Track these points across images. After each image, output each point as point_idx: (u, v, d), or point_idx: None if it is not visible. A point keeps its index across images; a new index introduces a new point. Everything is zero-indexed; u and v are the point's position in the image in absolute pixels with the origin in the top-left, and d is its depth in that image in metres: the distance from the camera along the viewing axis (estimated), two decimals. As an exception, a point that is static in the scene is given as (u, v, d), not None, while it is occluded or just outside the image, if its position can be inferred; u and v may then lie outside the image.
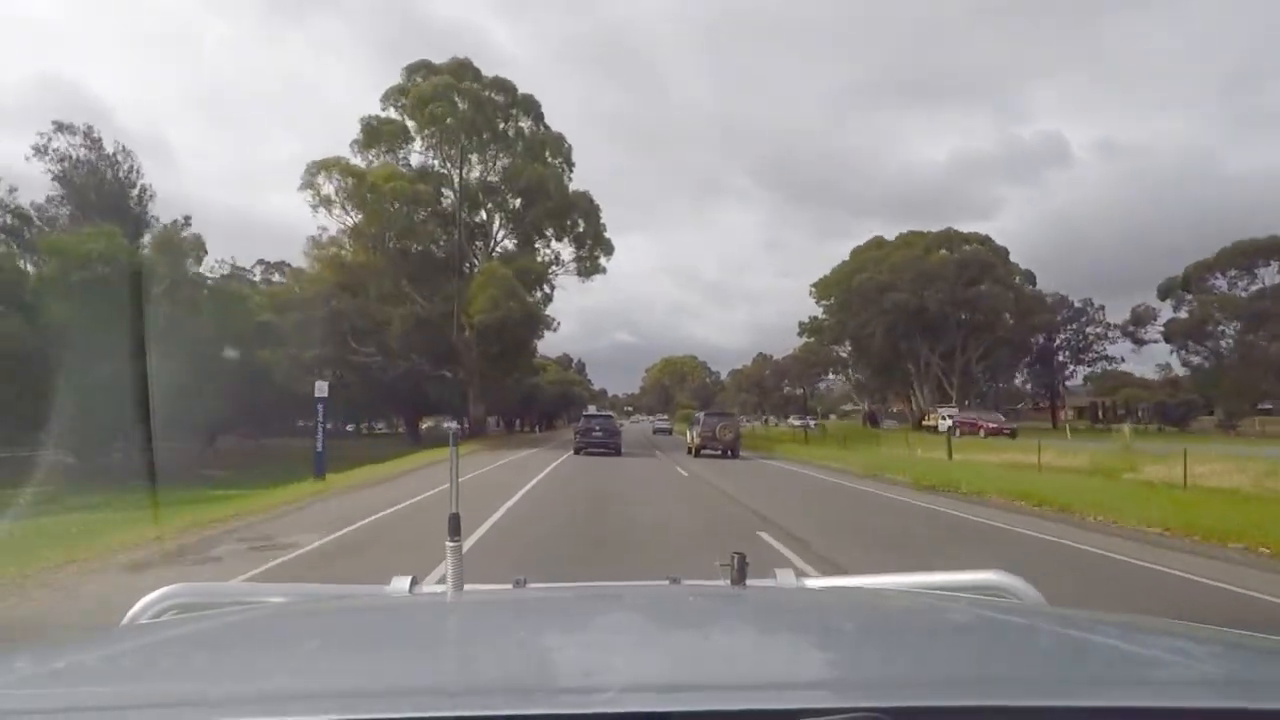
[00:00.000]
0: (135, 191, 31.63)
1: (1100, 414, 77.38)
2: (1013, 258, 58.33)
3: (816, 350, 72.89)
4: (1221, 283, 51.79)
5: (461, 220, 38.14)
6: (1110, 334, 65.50)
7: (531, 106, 39.90)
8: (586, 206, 39.10)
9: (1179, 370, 58.50)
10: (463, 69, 38.23)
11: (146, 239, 27.59)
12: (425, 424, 51.51)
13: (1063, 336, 66.89)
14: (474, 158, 38.92)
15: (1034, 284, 60.26)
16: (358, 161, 35.25)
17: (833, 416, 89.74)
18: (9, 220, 27.16)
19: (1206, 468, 16.34)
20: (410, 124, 38.43)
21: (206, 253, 28.07)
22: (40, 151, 29.87)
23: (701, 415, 28.99)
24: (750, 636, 1.26)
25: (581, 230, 40.79)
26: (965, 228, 60.04)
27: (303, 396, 25.86)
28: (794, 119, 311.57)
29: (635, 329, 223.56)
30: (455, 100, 37.68)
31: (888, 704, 0.72)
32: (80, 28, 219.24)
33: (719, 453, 26.21)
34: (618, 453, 25.70)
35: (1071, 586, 6.98)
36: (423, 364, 37.71)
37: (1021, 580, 1.45)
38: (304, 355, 32.47)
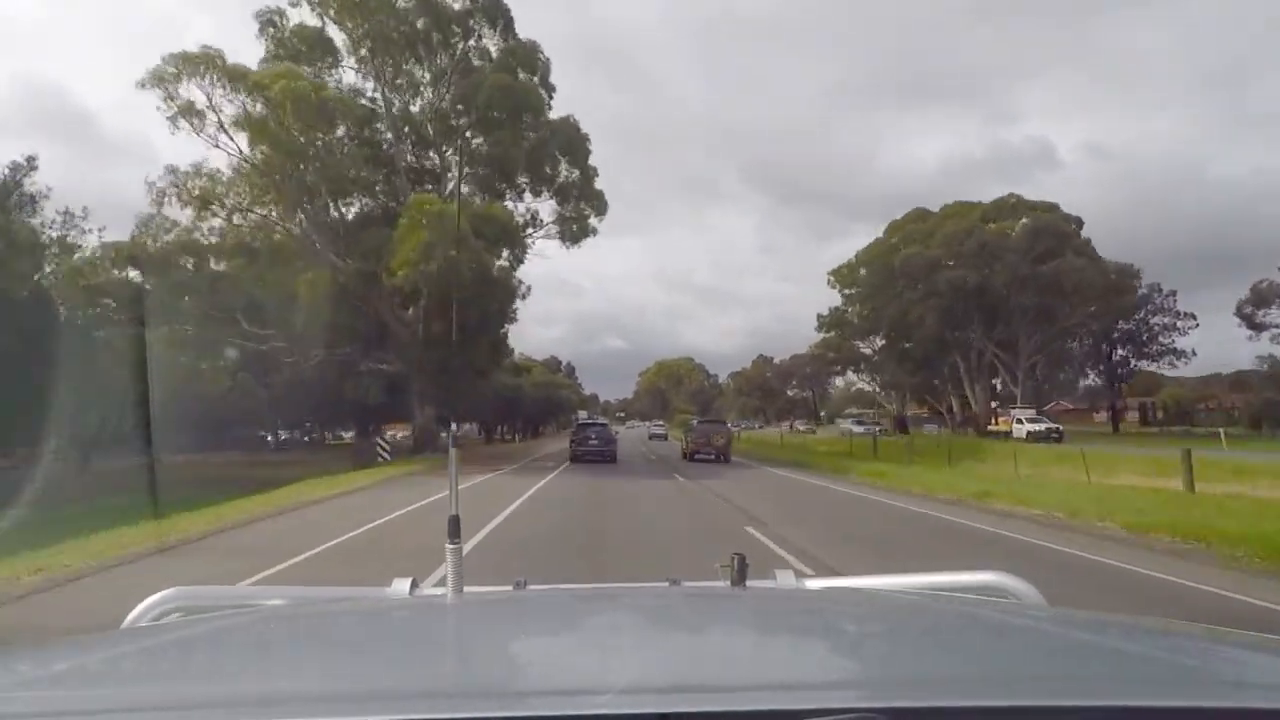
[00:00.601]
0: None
1: (1155, 415, 68.45)
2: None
3: (839, 345, 63.35)
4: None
5: (403, 155, 28.28)
6: (1181, 324, 56.26)
7: (499, 14, 30.05)
8: (571, 137, 29.06)
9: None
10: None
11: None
12: (378, 433, 41.16)
13: (1126, 326, 57.49)
14: (424, 78, 29.13)
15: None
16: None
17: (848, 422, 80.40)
18: None
19: None
20: (336, 33, 28.61)
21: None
22: None
23: (695, 423, 32.59)
24: (750, 637, 1.25)
25: (564, 180, 31.03)
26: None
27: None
28: (790, 120, 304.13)
29: (627, 333, 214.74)
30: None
31: (888, 704, 0.72)
32: None
33: (711, 457, 27.55)
34: (613, 460, 26.04)
35: None
36: (350, 352, 27.67)
37: (1021, 581, 1.42)
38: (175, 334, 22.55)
